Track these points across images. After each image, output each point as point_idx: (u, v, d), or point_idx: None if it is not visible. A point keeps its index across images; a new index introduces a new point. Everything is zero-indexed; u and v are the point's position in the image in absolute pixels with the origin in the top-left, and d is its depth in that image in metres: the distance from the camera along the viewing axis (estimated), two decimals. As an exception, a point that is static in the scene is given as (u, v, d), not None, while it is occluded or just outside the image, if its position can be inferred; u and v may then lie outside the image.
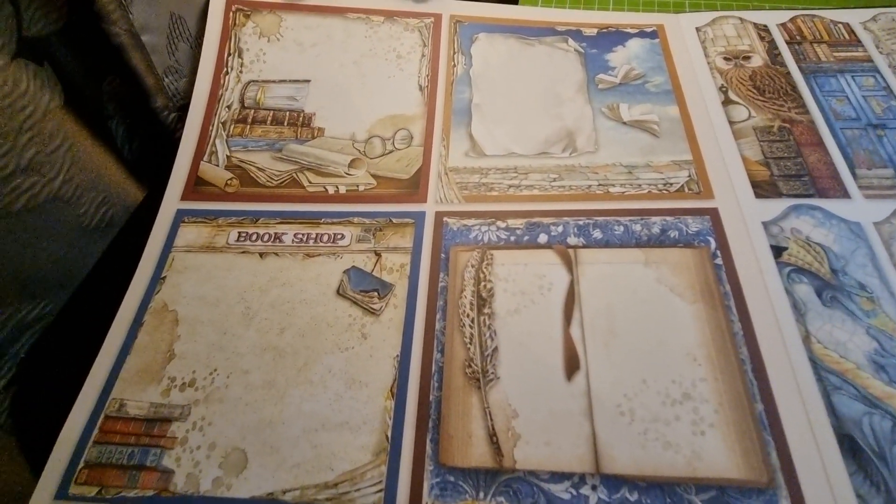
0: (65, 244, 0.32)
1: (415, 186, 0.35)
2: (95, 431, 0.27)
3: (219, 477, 0.25)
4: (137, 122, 0.38)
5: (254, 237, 0.33)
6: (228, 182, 0.36)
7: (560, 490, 0.24)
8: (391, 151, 0.37)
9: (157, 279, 0.32)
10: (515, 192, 0.34)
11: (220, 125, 0.38)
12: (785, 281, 0.29)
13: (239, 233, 0.34)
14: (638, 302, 0.29)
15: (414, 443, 0.26)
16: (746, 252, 0.30)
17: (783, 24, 0.42)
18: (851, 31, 0.41)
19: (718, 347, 0.27)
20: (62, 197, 0.31)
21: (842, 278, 0.29)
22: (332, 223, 0.34)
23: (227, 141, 0.38)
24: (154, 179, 0.37)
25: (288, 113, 0.39)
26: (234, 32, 0.42)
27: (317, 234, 0.33)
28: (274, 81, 0.40)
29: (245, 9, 0.43)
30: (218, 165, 0.37)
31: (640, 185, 0.34)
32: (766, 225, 0.31)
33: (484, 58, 0.41)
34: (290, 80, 0.40)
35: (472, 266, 0.31)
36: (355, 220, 0.34)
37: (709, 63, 0.40)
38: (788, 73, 0.39)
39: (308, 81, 0.40)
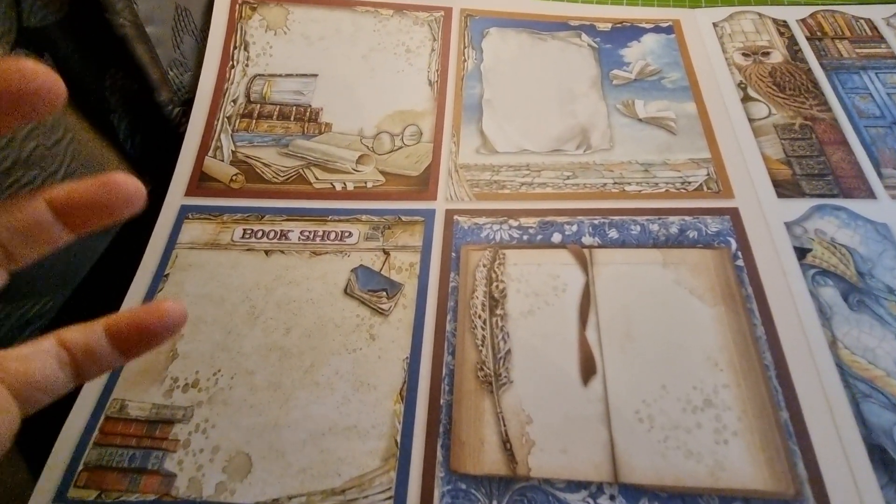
0: (66, 240, 0.31)
1: (424, 184, 0.34)
2: (96, 433, 0.26)
3: (222, 481, 0.24)
4: (141, 116, 0.37)
5: (259, 234, 0.32)
6: (234, 178, 0.35)
7: (577, 500, 0.23)
8: (400, 148, 0.36)
9: (160, 276, 0.31)
10: (528, 190, 0.33)
11: (226, 120, 0.37)
12: (809, 283, 0.28)
13: (244, 230, 0.33)
14: (656, 304, 0.28)
15: (424, 448, 0.25)
16: (769, 253, 0.29)
17: (803, 20, 0.41)
18: (874, 27, 0.40)
19: (741, 352, 0.26)
20: (63, 191, 0.30)
21: (869, 281, 0.28)
22: (340, 220, 0.33)
23: (232, 136, 0.37)
24: (158, 175, 0.36)
25: (295, 108, 0.38)
26: (241, 25, 0.41)
27: (324, 232, 0.32)
28: (280, 75, 0.39)
29: (251, 1, 0.42)
30: (223, 161, 0.36)
31: (656, 184, 0.33)
32: (788, 225, 0.30)
33: (495, 52, 0.40)
34: (297, 75, 0.39)
35: (484, 266, 0.30)
36: (363, 217, 0.33)
37: (727, 59, 0.39)
38: (809, 69, 0.37)
39: (315, 76, 0.39)
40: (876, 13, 0.41)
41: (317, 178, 0.35)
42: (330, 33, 0.41)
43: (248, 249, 0.32)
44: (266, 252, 0.32)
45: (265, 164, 0.36)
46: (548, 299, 0.29)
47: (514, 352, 0.27)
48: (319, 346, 0.28)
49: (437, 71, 0.39)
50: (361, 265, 0.31)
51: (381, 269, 0.31)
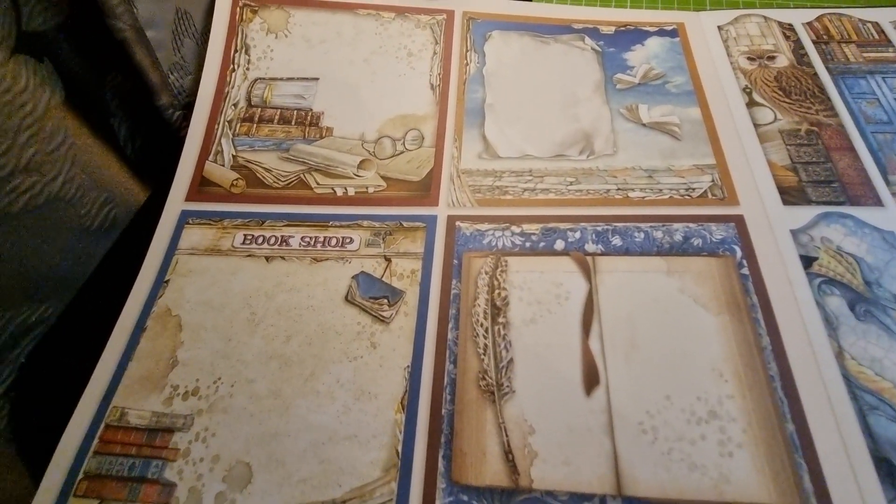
0: (66, 245, 0.31)
1: (426, 189, 0.34)
2: (95, 441, 0.26)
3: (222, 491, 0.24)
4: (141, 120, 0.37)
5: (260, 240, 0.32)
6: (234, 182, 0.35)
7: (579, 512, 0.23)
8: (402, 152, 0.36)
9: (160, 283, 0.31)
10: (530, 196, 0.33)
11: (227, 124, 0.37)
12: (815, 293, 0.27)
13: (245, 235, 0.32)
14: (660, 313, 0.28)
15: (425, 459, 0.25)
16: (774, 262, 0.29)
17: (809, 24, 0.40)
18: (881, 31, 0.39)
19: (746, 363, 0.26)
20: (63, 197, 0.30)
21: (876, 291, 0.27)
22: (341, 226, 0.33)
23: (233, 140, 0.37)
24: (158, 179, 0.36)
25: (296, 112, 0.38)
26: (241, 28, 0.41)
27: (325, 238, 0.32)
28: (281, 79, 0.39)
29: (252, 4, 0.41)
30: (224, 165, 0.36)
31: (660, 190, 0.33)
32: (794, 233, 0.30)
33: (498, 56, 0.40)
34: (298, 78, 0.39)
35: (486, 273, 0.30)
36: (364, 223, 0.33)
37: (732, 63, 0.38)
38: (815, 73, 0.37)
39: (316, 79, 0.39)
40: (883, 17, 0.40)
41: (318, 183, 0.35)
42: (331, 36, 0.41)
43: (248, 255, 0.32)
44: (267, 258, 0.32)
45: (266, 169, 0.35)
46: (550, 307, 0.28)
47: (517, 361, 0.27)
48: (320, 353, 0.28)
49: (440, 75, 0.39)
50: (363, 272, 0.31)
51: (382, 276, 0.31)
